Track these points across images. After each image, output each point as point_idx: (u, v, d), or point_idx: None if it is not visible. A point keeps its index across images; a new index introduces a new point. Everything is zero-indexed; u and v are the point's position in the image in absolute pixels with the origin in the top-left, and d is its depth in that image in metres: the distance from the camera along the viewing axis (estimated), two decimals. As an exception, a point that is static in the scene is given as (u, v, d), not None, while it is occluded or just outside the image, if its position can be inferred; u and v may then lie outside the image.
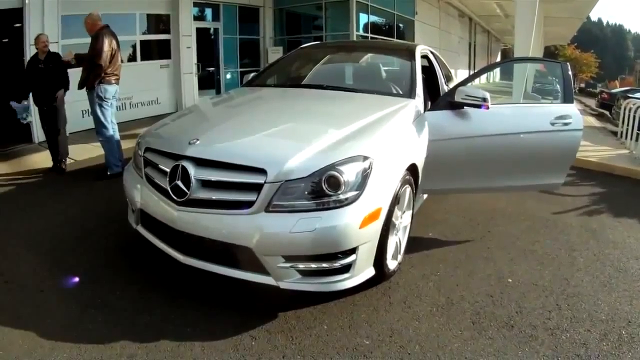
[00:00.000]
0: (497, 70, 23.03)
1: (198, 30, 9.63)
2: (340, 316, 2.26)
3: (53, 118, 4.80)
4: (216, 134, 2.44)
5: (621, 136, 7.69)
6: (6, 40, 7.92)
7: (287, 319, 2.23)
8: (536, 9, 8.29)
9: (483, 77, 20.97)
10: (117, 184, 3.12)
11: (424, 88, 3.22)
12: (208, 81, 10.30)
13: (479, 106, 2.85)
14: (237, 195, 2.12)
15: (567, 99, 3.13)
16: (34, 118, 5.51)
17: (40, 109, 4.82)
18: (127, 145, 5.00)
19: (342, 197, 2.06)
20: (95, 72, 4.43)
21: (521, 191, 3.94)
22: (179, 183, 2.19)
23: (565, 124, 3.00)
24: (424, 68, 3.68)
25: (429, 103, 3.20)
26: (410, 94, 3.10)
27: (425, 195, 3.38)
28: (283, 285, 2.12)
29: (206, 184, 2.18)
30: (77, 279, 2.59)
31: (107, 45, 4.41)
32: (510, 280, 2.69)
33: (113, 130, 4.72)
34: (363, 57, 4.25)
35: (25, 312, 2.25)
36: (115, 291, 2.46)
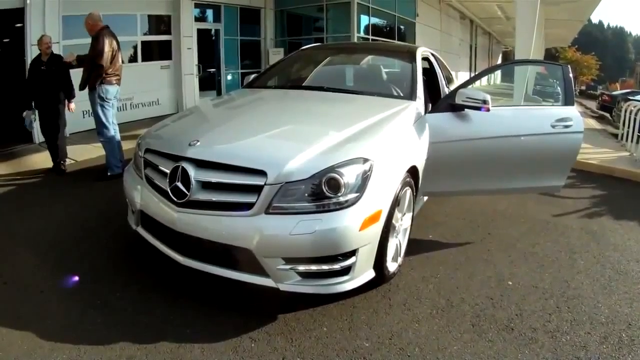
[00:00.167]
0: (498, 73, 23.08)
1: (199, 31, 9.65)
2: (340, 318, 2.26)
3: (54, 120, 4.80)
4: (216, 136, 2.45)
5: (622, 138, 7.69)
6: (7, 40, 7.94)
7: (286, 321, 2.22)
8: (537, 11, 8.28)
9: (484, 79, 20.98)
10: (117, 185, 3.12)
11: (424, 90, 3.22)
12: (209, 82, 10.31)
13: (479, 108, 2.85)
14: (237, 197, 2.12)
15: (567, 102, 3.12)
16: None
17: (40, 111, 4.81)
18: (127, 146, 5.00)
19: (342, 199, 2.06)
20: (96, 73, 4.44)
21: (521, 193, 3.94)
22: (179, 184, 2.19)
23: (566, 127, 3.00)
24: (424, 70, 3.69)
25: (430, 105, 3.20)
26: (411, 96, 3.10)
27: (425, 198, 3.38)
28: (283, 287, 2.12)
29: (206, 186, 2.18)
30: (77, 280, 2.59)
31: (107, 45, 4.42)
32: (510, 283, 2.69)
33: (114, 131, 4.72)
34: (364, 59, 4.25)
35: (25, 313, 2.25)
36: (115, 292, 2.46)
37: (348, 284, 2.17)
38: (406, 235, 2.78)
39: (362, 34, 11.54)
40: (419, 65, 3.46)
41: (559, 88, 8.79)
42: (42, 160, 5.27)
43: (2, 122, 6.86)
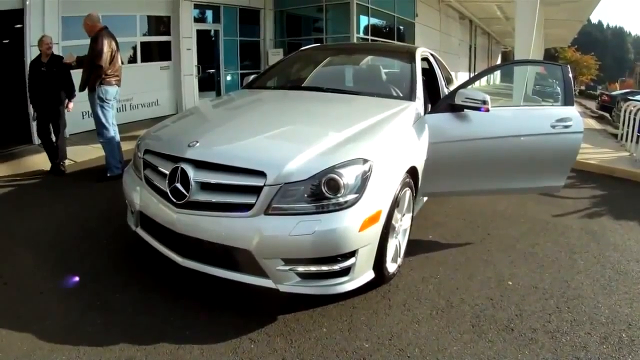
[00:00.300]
0: (498, 73, 23.07)
1: (198, 32, 9.64)
2: (340, 319, 2.26)
3: (55, 121, 4.80)
4: (216, 137, 2.44)
5: (621, 138, 7.69)
6: (7, 41, 7.94)
7: (286, 322, 2.22)
8: (537, 11, 8.29)
9: (483, 80, 20.99)
10: (116, 186, 3.12)
11: (424, 90, 3.22)
12: (208, 83, 10.31)
13: (479, 109, 2.84)
14: (237, 198, 2.12)
15: (567, 102, 3.12)
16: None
17: (39, 112, 4.80)
18: (127, 146, 5.00)
19: (341, 200, 2.06)
20: (95, 74, 4.44)
21: (521, 194, 3.94)
22: (178, 185, 2.19)
23: (566, 127, 3.00)
24: (424, 70, 3.68)
25: (429, 105, 3.20)
26: (410, 96, 3.10)
27: (425, 198, 3.38)
28: (282, 288, 2.12)
29: (205, 187, 2.18)
30: (76, 280, 2.59)
31: (106, 46, 4.42)
32: (510, 283, 2.69)
33: (114, 131, 4.71)
34: (363, 60, 4.25)
35: (25, 314, 2.25)
36: (115, 292, 2.46)
37: (348, 284, 2.17)
38: (406, 235, 2.78)
39: (361, 35, 11.54)
40: (419, 65, 3.46)
41: (558, 88, 8.82)
42: (42, 161, 5.26)
43: (1, 123, 6.87)
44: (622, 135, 7.69)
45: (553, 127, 2.99)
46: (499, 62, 33.88)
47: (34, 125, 5.03)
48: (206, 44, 10.11)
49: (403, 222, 2.66)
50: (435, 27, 17.55)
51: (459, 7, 19.83)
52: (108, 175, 4.68)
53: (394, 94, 3.29)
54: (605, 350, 2.08)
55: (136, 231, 2.63)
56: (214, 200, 2.15)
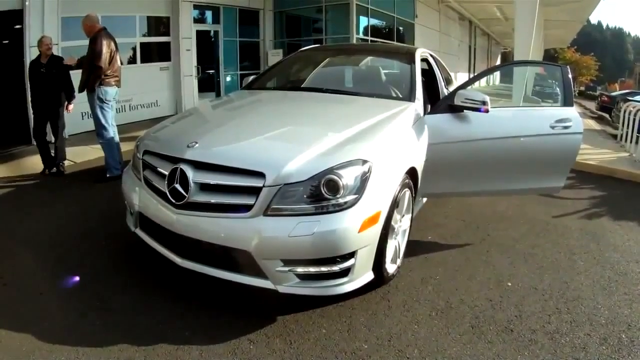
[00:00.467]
0: (497, 74, 23.07)
1: (198, 32, 9.64)
2: (339, 320, 2.26)
3: (54, 122, 4.80)
4: (215, 137, 2.44)
5: (621, 139, 7.70)
6: (6, 41, 7.94)
7: (285, 323, 2.22)
8: (536, 12, 8.31)
9: (483, 80, 20.98)
10: (116, 187, 3.11)
11: (423, 91, 3.22)
12: (208, 84, 10.30)
13: (478, 109, 2.85)
14: (236, 199, 2.12)
15: (567, 102, 3.13)
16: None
17: (37, 113, 4.79)
18: (126, 147, 5.00)
19: (341, 200, 2.06)
20: (95, 74, 4.44)
21: (521, 194, 3.93)
22: (178, 186, 2.19)
23: (565, 127, 3.00)
24: (423, 71, 3.68)
25: (429, 106, 3.20)
26: (410, 97, 3.10)
27: (424, 199, 3.37)
28: (282, 289, 2.12)
29: (205, 187, 2.18)
30: (76, 281, 2.58)
31: (105, 47, 4.42)
32: (509, 284, 2.69)
33: (113, 132, 4.71)
34: (363, 60, 4.25)
35: (24, 314, 2.25)
36: (114, 293, 2.46)
37: (347, 285, 2.16)
38: (405, 236, 2.77)
39: (361, 35, 11.55)
40: (418, 66, 3.46)
41: (558, 89, 8.81)
42: (41, 161, 5.25)
43: (1, 124, 6.87)
44: (621, 135, 7.69)
45: (552, 127, 2.99)
46: (498, 62, 33.90)
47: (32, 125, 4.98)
48: (206, 45, 10.11)
49: (402, 223, 2.66)
50: (435, 27, 17.56)
51: (458, 8, 19.85)
52: (107, 175, 4.67)
53: (394, 94, 3.29)
54: (604, 351, 2.08)
55: (135, 232, 2.63)
56: (213, 201, 2.15)
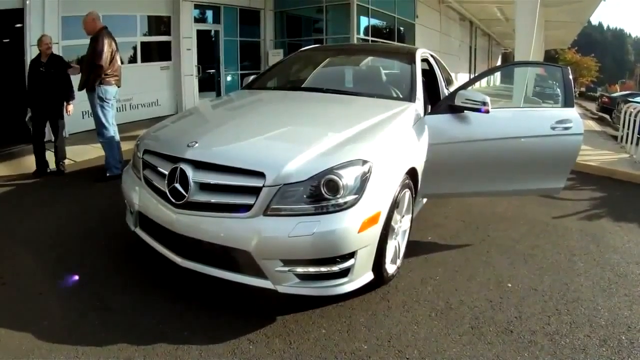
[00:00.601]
0: (498, 74, 23.06)
1: (199, 32, 9.64)
2: (339, 320, 2.25)
3: (54, 121, 4.79)
4: (215, 137, 2.44)
5: (621, 140, 7.70)
6: (7, 40, 7.94)
7: (285, 323, 2.22)
8: (537, 12, 8.30)
9: (483, 81, 20.99)
10: (116, 186, 3.11)
11: (424, 91, 3.21)
12: (208, 83, 10.31)
13: (479, 110, 2.84)
14: (236, 199, 2.12)
15: (567, 103, 3.13)
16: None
17: (36, 112, 4.78)
18: (126, 147, 4.99)
19: (341, 201, 2.06)
20: (95, 73, 4.44)
21: (521, 195, 3.94)
22: (177, 186, 2.18)
23: (566, 128, 3.00)
24: (424, 71, 3.68)
25: (429, 107, 3.20)
26: (410, 97, 3.10)
27: (424, 199, 3.37)
28: (281, 289, 2.11)
29: (205, 187, 2.17)
30: (76, 280, 2.58)
31: (107, 46, 4.42)
32: (509, 285, 2.68)
33: (114, 131, 4.71)
34: (363, 60, 4.25)
35: (24, 314, 2.25)
36: (114, 293, 2.45)
37: (347, 286, 2.16)
38: (405, 237, 2.77)
39: (361, 36, 11.54)
40: (419, 66, 3.45)
41: (558, 90, 8.82)
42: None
43: (1, 123, 6.86)
44: (622, 137, 7.69)
45: (553, 128, 2.99)
46: (499, 63, 33.88)
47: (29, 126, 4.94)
48: (206, 44, 10.10)
49: (402, 224, 2.66)
50: (436, 28, 17.56)
51: (459, 9, 19.84)
52: (108, 175, 4.67)
53: (394, 95, 3.29)
54: (604, 353, 2.08)
55: (135, 231, 2.63)
56: (213, 200, 2.15)
